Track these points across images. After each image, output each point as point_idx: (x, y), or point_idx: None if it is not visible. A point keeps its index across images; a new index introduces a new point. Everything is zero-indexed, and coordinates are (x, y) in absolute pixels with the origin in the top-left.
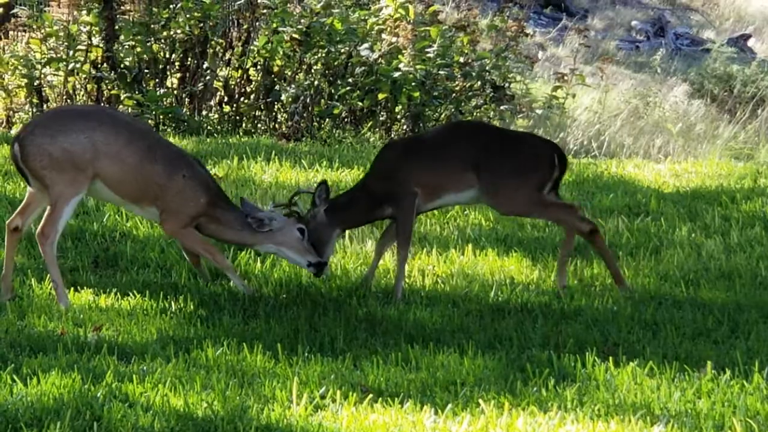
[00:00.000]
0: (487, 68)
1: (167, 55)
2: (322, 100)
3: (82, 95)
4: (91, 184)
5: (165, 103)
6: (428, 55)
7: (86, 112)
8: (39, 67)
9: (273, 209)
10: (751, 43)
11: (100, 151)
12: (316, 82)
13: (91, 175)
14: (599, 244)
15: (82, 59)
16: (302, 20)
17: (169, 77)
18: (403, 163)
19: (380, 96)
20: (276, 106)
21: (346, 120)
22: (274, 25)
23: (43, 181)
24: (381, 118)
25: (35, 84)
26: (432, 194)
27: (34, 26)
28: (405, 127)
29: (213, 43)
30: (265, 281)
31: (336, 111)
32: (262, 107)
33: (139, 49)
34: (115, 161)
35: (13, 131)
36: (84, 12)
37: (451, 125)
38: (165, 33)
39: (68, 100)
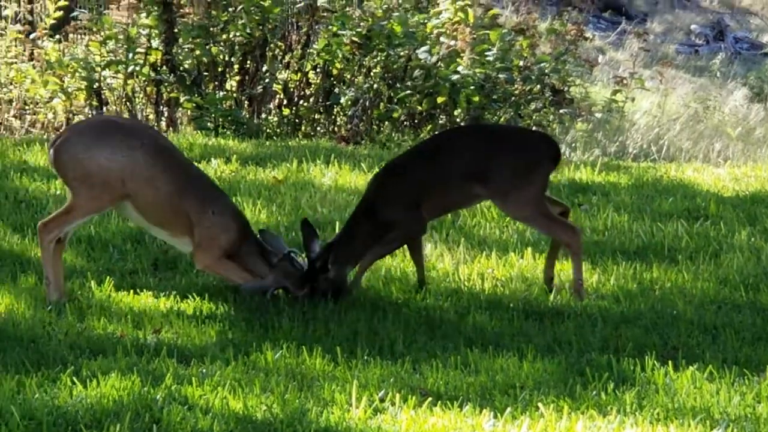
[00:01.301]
0: (546, 72)
1: (226, 58)
2: (381, 104)
3: (142, 98)
4: (120, 204)
5: (224, 105)
6: (487, 58)
7: (129, 129)
8: (98, 69)
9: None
10: None
11: (135, 173)
12: (375, 86)
13: (121, 195)
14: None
15: (141, 62)
16: (362, 23)
17: (228, 80)
18: (408, 188)
19: (439, 99)
20: (335, 109)
21: (405, 123)
22: (334, 29)
23: (71, 188)
24: (440, 122)
25: (95, 87)
26: (440, 210)
27: (94, 29)
28: None
29: (272, 45)
30: None
31: (395, 114)
32: (322, 110)
33: (198, 52)
34: (149, 186)
35: None
36: (143, 15)
37: (441, 137)
38: (224, 36)
39: (127, 103)
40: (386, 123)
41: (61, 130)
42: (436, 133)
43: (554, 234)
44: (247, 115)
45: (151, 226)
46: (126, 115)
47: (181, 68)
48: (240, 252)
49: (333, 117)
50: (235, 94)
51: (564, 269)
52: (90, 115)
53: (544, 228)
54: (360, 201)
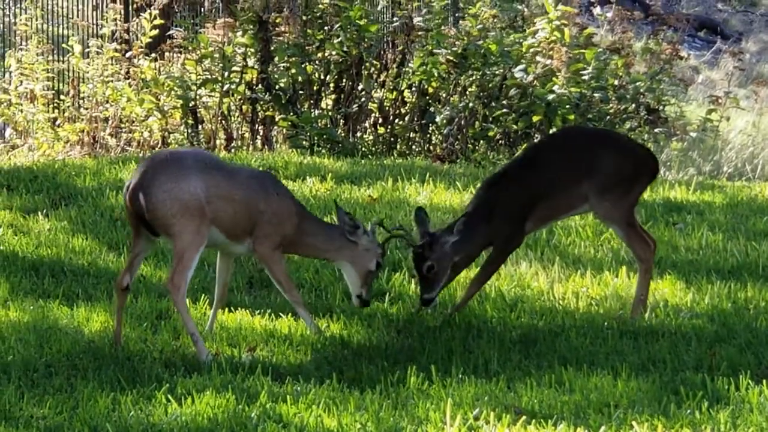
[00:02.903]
0: (641, 91)
1: (322, 77)
2: (477, 122)
3: (237, 116)
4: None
5: (320, 124)
6: (583, 77)
7: (194, 154)
8: (194, 88)
9: (374, 226)
10: None
11: (217, 193)
12: (470, 104)
13: (210, 220)
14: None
15: (237, 80)
16: (457, 42)
17: (323, 98)
18: (525, 198)
19: (535, 118)
20: (430, 128)
21: (500, 142)
22: (429, 47)
23: (171, 229)
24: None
25: (190, 105)
26: (547, 220)
27: (190, 47)
28: None
29: (368, 64)
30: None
31: (490, 133)
32: (417, 129)
33: (293, 71)
34: (228, 201)
35: None
36: (239, 33)
37: (552, 141)
38: (320, 54)
39: (223, 121)
40: (481, 142)
41: (133, 178)
42: (552, 133)
43: (631, 243)
44: (343, 134)
45: (229, 242)
46: (221, 133)
47: (277, 87)
48: (306, 231)
49: (428, 136)
50: (330, 113)
51: (658, 288)
52: (187, 133)
53: (624, 235)
54: (479, 203)
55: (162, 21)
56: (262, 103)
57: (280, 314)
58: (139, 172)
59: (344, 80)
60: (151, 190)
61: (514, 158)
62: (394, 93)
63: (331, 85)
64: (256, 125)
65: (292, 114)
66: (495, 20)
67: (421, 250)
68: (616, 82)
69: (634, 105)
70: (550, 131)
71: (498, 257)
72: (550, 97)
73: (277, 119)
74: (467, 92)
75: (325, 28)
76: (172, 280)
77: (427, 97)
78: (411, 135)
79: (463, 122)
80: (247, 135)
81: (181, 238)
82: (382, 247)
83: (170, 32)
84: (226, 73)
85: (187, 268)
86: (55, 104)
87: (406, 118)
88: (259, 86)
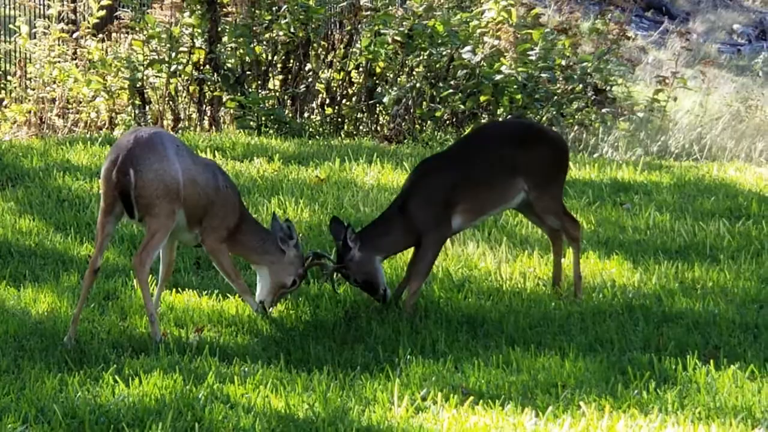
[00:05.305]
0: (588, 71)
1: (269, 57)
2: (424, 103)
3: (184, 97)
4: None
5: (267, 105)
6: (530, 57)
7: (167, 136)
8: (141, 68)
9: (311, 253)
10: None
11: (186, 178)
12: (418, 85)
13: (182, 203)
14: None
15: (184, 61)
16: (404, 23)
17: (271, 79)
18: (449, 188)
19: (482, 98)
20: (378, 109)
21: (447, 122)
22: (377, 28)
23: (152, 210)
24: (483, 121)
25: (137, 86)
26: (481, 212)
27: (137, 28)
28: None
29: (315, 45)
30: None
31: (438, 113)
32: (364, 109)
33: (241, 51)
34: (194, 185)
35: (117, 133)
36: (186, 14)
37: (480, 132)
38: (267, 35)
39: (170, 102)
40: (429, 122)
41: (117, 154)
42: (473, 129)
43: (565, 227)
44: (290, 114)
45: (185, 228)
46: (169, 114)
47: (225, 67)
48: (242, 230)
49: (375, 116)
50: (278, 93)
51: (606, 268)
52: (134, 114)
53: (559, 223)
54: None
55: (109, 1)
56: (209, 83)
57: (228, 295)
58: (125, 150)
59: (292, 61)
60: (141, 168)
61: (443, 150)
62: (342, 73)
63: (279, 65)
64: (204, 106)
65: (239, 94)
66: (441, 0)
67: (342, 270)
68: (563, 63)
69: (581, 85)
70: (488, 117)
71: (427, 250)
72: (498, 77)
73: (224, 100)
74: (414, 72)
75: (273, 8)
76: (139, 256)
77: (375, 78)
78: (358, 115)
79: (410, 102)
80: (194, 115)
81: (158, 219)
82: (303, 269)
83: (117, 13)
84: (174, 54)
85: (155, 248)
86: (2, 85)
87: (354, 99)
88: (207, 67)
